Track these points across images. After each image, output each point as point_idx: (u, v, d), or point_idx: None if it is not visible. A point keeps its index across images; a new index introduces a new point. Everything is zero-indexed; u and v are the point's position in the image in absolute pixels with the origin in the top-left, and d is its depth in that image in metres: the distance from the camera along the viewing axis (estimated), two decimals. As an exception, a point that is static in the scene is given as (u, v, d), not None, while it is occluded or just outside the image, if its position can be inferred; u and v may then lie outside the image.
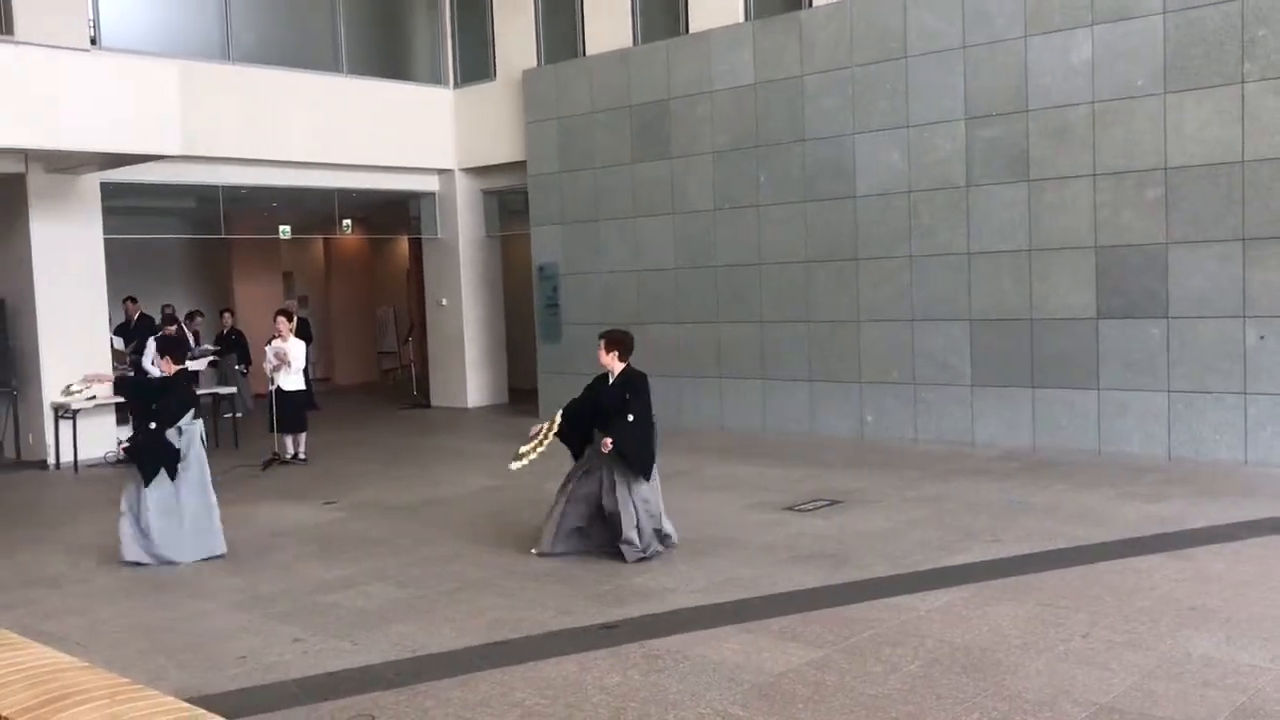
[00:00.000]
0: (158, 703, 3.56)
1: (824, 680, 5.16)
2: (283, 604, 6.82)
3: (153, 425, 7.97)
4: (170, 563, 7.91)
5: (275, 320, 12.67)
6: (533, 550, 7.69)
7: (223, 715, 3.87)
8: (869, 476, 10.19)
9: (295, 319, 13.25)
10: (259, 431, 13.54)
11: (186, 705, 3.56)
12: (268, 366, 12.43)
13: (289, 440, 12.48)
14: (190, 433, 8.14)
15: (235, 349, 16.36)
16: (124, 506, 8.04)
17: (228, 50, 14.37)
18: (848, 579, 6.87)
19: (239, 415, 14.83)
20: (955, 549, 7.48)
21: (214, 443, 13.87)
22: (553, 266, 15.29)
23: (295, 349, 12.44)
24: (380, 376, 22.65)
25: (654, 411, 7.62)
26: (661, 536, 7.63)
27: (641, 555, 7.43)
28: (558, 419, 7.70)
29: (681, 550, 7.70)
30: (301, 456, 12.50)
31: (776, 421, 13.11)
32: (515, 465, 7.71)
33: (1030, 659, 5.34)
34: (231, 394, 14.88)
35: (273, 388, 12.38)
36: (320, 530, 8.95)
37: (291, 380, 12.43)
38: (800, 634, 5.85)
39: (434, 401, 17.50)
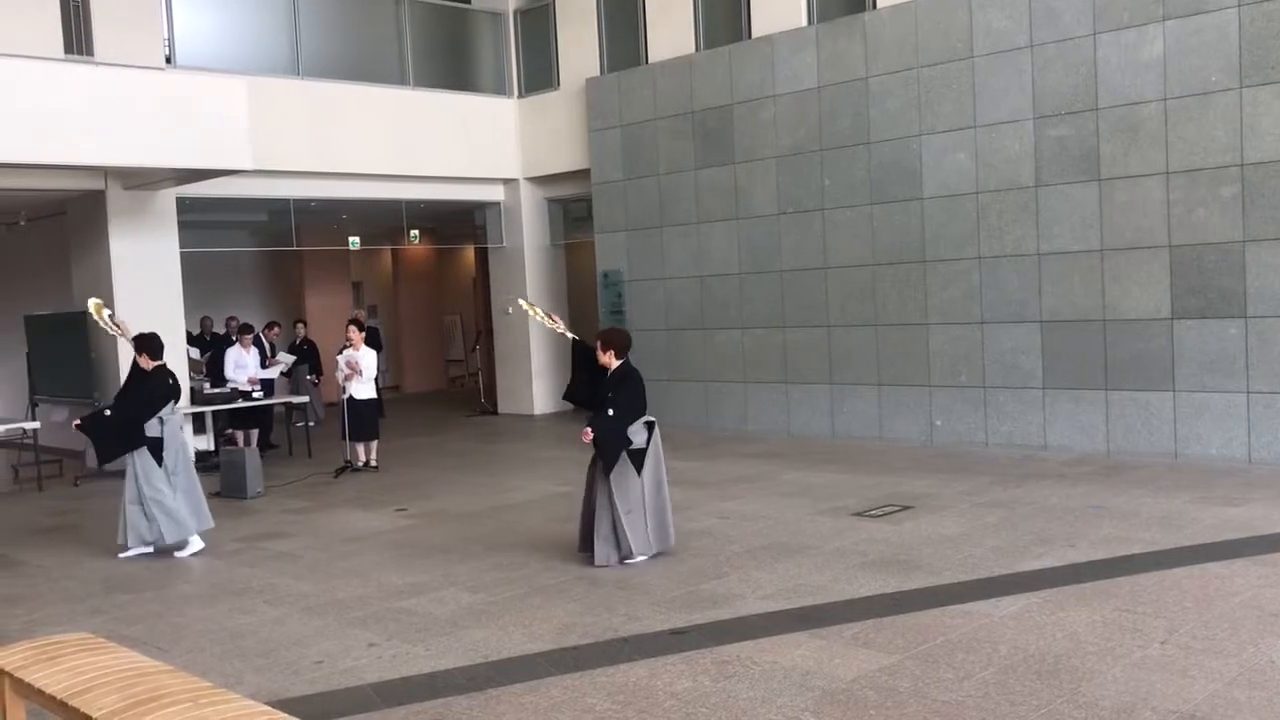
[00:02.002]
0: (239, 706, 3.64)
1: (896, 686, 5.12)
2: (357, 609, 6.92)
3: (107, 411, 8.74)
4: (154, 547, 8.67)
5: (346, 330, 12.89)
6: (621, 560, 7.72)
7: (301, 719, 3.94)
8: (939, 481, 10.09)
9: (365, 328, 13.44)
10: (331, 440, 13.76)
11: (266, 708, 3.64)
12: (339, 376, 12.65)
13: (360, 448, 12.66)
14: (172, 423, 8.74)
15: (307, 359, 16.65)
16: (127, 497, 8.66)
17: (297, 65, 14.64)
18: (919, 585, 6.81)
19: (311, 424, 15.08)
20: (1029, 554, 7.38)
21: (287, 451, 14.21)
22: (617, 273, 15.35)
23: (366, 358, 12.63)
24: (448, 384, 22.90)
25: (648, 410, 7.73)
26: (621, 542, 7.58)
27: (605, 563, 7.55)
28: (573, 338, 8.20)
29: (752, 556, 7.69)
30: (373, 464, 12.68)
31: (844, 426, 13.03)
32: (522, 301, 9.15)
33: (1107, 666, 5.25)
34: (304, 403, 15.13)
35: (345, 396, 12.58)
36: (392, 537, 9.07)
37: (363, 389, 12.61)
38: (872, 640, 5.81)
39: (501, 409, 17.65)
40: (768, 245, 13.57)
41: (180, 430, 8.86)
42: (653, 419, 7.73)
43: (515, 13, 16.85)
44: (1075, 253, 11.10)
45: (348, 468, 12.54)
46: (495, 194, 17.15)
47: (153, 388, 8.75)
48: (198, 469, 12.84)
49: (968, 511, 8.79)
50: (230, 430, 13.84)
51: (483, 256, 19.37)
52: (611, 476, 7.54)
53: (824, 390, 13.19)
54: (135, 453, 8.61)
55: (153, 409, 8.64)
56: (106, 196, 12.87)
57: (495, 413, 17.67)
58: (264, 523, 9.93)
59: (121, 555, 8.69)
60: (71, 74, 11.18)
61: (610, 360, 7.74)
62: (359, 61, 15.65)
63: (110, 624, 6.79)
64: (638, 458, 7.58)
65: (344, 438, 12.58)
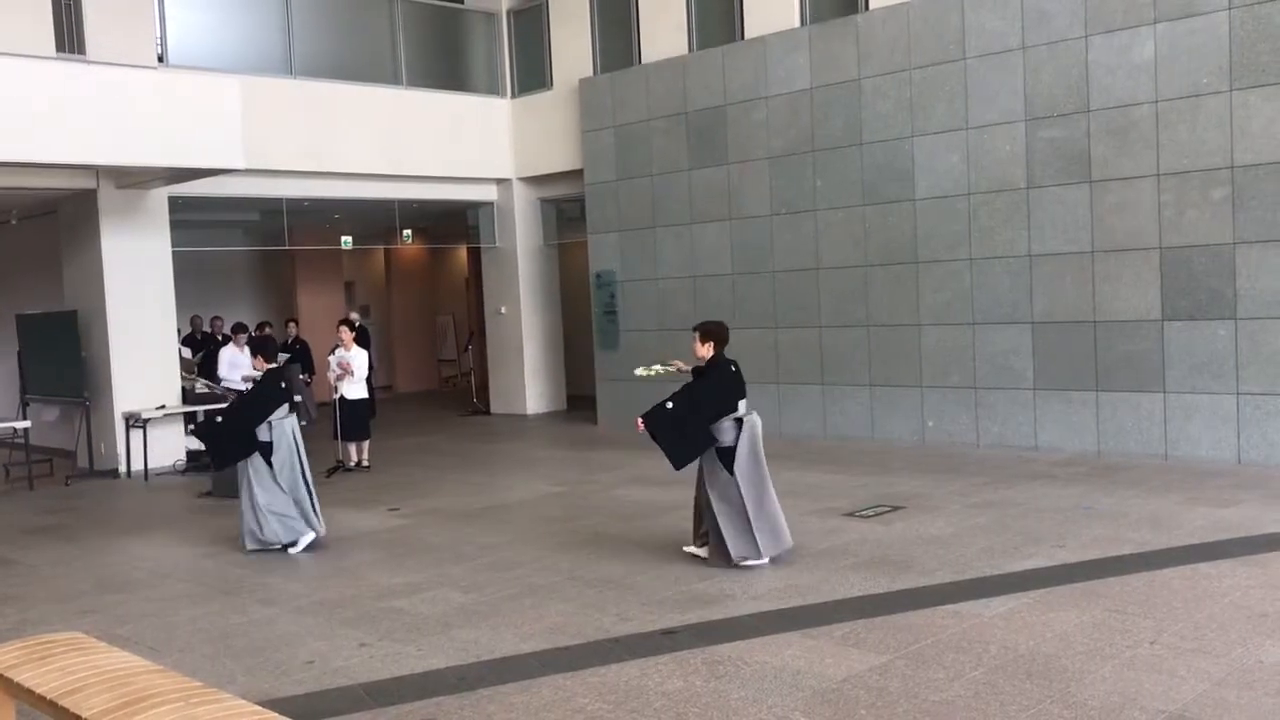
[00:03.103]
0: (230, 706, 3.64)
1: (886, 686, 5.14)
2: (348, 609, 6.92)
3: (219, 418, 8.77)
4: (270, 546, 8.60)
5: (338, 330, 12.88)
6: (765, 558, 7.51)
7: (291, 719, 3.94)
8: (931, 482, 10.11)
9: (356, 328, 13.42)
10: (323, 440, 13.74)
11: (258, 708, 3.64)
12: (331, 375, 12.64)
13: (352, 448, 12.66)
14: (280, 427, 8.67)
15: (299, 358, 16.62)
16: (242, 501, 8.68)
17: (290, 65, 14.62)
18: (910, 585, 6.83)
19: (303, 424, 15.02)
20: (1019, 555, 7.40)
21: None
22: (610, 274, 15.35)
23: (358, 358, 12.64)
24: (440, 384, 22.88)
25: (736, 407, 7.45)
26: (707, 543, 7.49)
27: (720, 563, 7.39)
28: (685, 368, 8.08)
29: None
30: (365, 464, 12.68)
31: (836, 427, 13.05)
32: (639, 371, 8.69)
33: (1096, 666, 5.27)
34: (296, 403, 15.07)
35: (336, 396, 12.58)
36: (384, 536, 9.07)
37: (355, 389, 12.62)
38: (862, 640, 5.82)
39: (493, 409, 17.64)
40: (760, 246, 13.59)
41: (291, 433, 8.73)
42: (741, 415, 7.42)
43: (508, 13, 16.85)
44: (1066, 254, 11.13)
45: (339, 467, 12.53)
46: (488, 194, 17.15)
47: (262, 390, 8.77)
48: (190, 468, 12.97)
49: (959, 512, 8.81)
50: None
51: (475, 256, 19.36)
52: (705, 478, 7.41)
53: (816, 391, 13.21)
54: (248, 457, 8.60)
55: (264, 412, 8.60)
56: (98, 195, 12.85)
57: (488, 413, 17.66)
58: (256, 522, 9.91)
59: (248, 553, 8.61)
60: (63, 72, 11.17)
61: (706, 352, 7.53)
62: (352, 61, 15.64)
63: (101, 624, 6.78)
64: (728, 456, 7.34)
65: (336, 437, 12.58)
